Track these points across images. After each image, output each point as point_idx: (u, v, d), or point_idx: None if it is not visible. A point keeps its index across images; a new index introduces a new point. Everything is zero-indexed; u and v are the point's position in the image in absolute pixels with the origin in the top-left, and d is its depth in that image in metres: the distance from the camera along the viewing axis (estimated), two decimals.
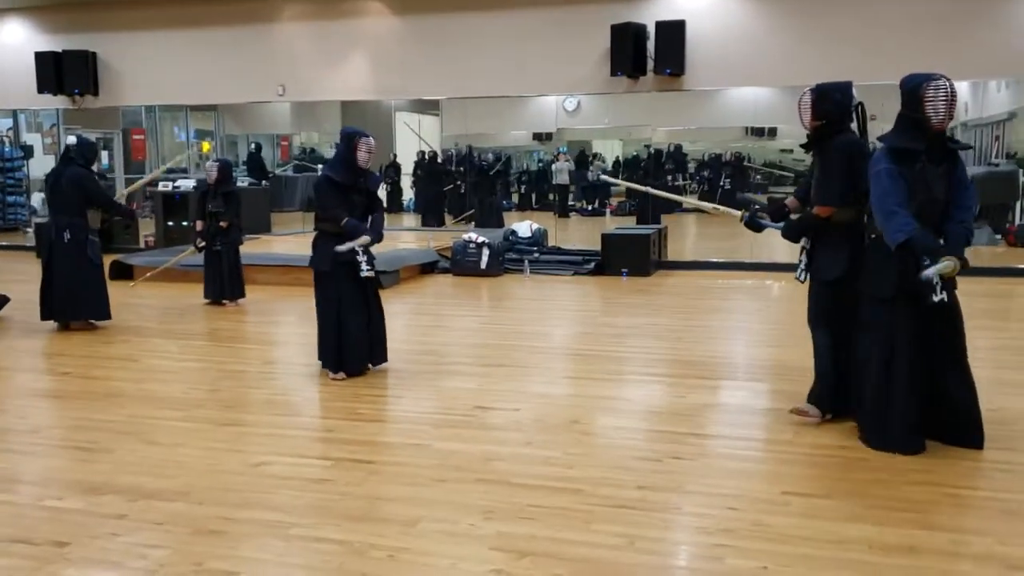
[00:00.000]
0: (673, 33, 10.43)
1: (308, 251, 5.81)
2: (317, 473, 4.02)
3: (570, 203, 17.12)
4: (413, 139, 16.27)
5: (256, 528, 3.42)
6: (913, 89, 4.05)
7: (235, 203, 8.62)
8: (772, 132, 15.06)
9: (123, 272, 10.27)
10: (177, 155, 17.21)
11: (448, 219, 15.80)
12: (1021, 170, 12.50)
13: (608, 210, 17.26)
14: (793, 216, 4.84)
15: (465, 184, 16.09)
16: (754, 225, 4.95)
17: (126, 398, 5.35)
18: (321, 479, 3.93)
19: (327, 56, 12.05)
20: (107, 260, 8.39)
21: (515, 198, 17.82)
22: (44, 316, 7.35)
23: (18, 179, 15.80)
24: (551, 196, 17.01)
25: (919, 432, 4.16)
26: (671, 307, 8.78)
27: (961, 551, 3.16)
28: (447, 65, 11.50)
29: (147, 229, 13.24)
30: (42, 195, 12.40)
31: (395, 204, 16.80)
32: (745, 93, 12.88)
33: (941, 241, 4.07)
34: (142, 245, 12.96)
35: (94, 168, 7.52)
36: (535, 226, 11.67)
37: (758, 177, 16.51)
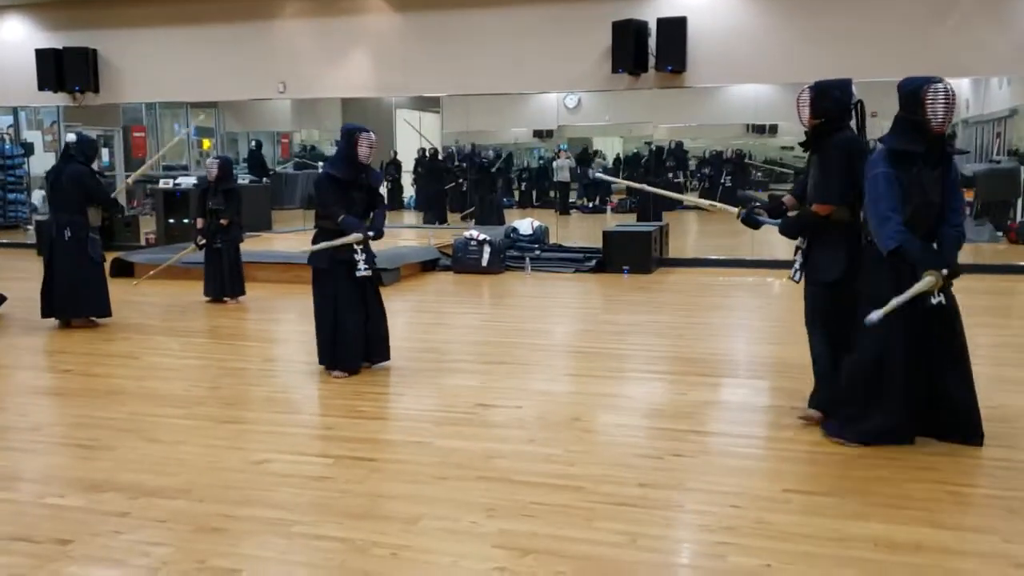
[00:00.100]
0: (674, 30, 10.42)
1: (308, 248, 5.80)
2: (318, 471, 4.01)
3: (571, 200, 17.10)
4: (414, 137, 16.25)
5: (258, 526, 3.41)
6: (913, 92, 4.04)
7: (235, 200, 8.62)
8: (773, 129, 15.05)
9: (124, 269, 10.27)
10: (177, 148, 17.20)
11: (455, 216, 15.76)
12: (1022, 167, 12.48)
13: (609, 207, 17.25)
14: (791, 214, 4.82)
15: (467, 182, 16.08)
16: (751, 222, 4.90)
17: (127, 395, 5.35)
18: (322, 477, 3.93)
19: (328, 53, 12.04)
20: (108, 257, 8.39)
21: (516, 195, 17.80)
22: (45, 314, 7.35)
23: (19, 176, 15.80)
24: (552, 193, 17.00)
25: (901, 431, 4.16)
26: (672, 304, 8.78)
27: (965, 549, 3.16)
28: (448, 62, 11.49)
29: (148, 227, 13.24)
30: (43, 192, 12.41)
31: (396, 202, 16.78)
32: (746, 90, 12.85)
33: (935, 245, 4.10)
34: (143, 243, 12.96)
35: (94, 166, 7.51)
36: (536, 223, 11.66)
37: (759, 174, 16.50)
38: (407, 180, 17.15)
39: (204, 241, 8.60)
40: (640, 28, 10.46)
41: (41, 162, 15.00)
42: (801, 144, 4.76)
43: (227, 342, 7.19)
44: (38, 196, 15.24)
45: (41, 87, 12.80)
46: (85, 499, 3.67)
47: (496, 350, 6.64)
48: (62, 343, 6.94)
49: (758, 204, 5.13)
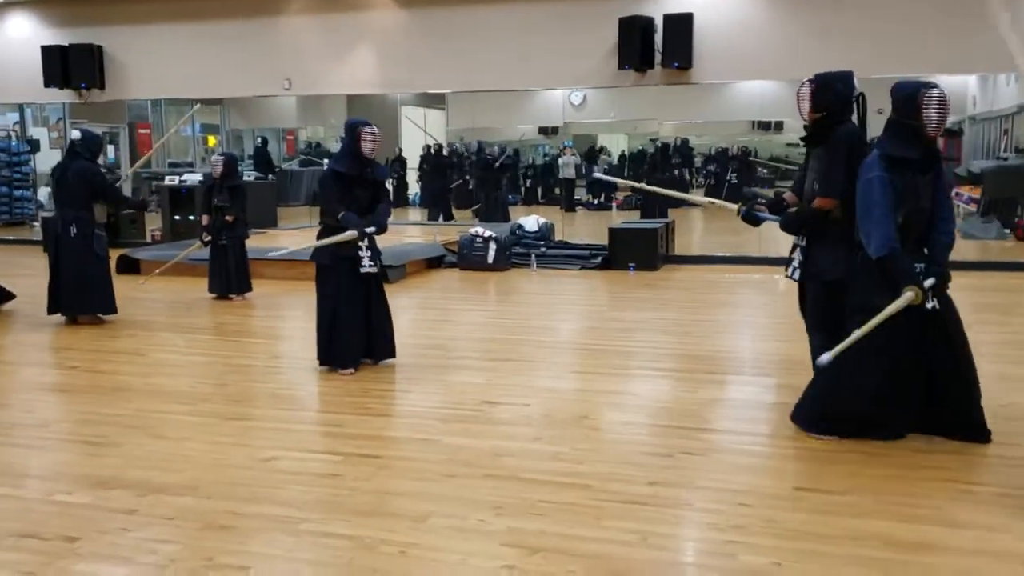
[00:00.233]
0: (681, 26, 10.39)
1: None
2: (325, 468, 4.00)
3: (576, 197, 17.09)
4: (419, 134, 16.25)
5: (265, 523, 3.40)
6: (910, 96, 3.99)
7: (240, 197, 8.61)
8: (779, 126, 15.01)
9: (130, 266, 10.28)
10: (181, 149, 17.22)
11: (465, 213, 15.74)
12: None
13: (614, 204, 17.22)
14: (791, 210, 4.77)
15: (473, 179, 16.08)
16: (751, 218, 4.84)
17: (133, 392, 5.34)
18: (329, 474, 3.92)
19: (333, 49, 12.02)
20: (114, 254, 8.39)
21: (521, 192, 17.79)
22: (51, 310, 7.35)
23: (24, 173, 15.83)
24: (557, 190, 16.98)
25: (889, 426, 4.15)
26: (679, 301, 8.75)
27: (977, 547, 3.14)
28: (454, 58, 11.47)
29: (153, 223, 13.24)
30: (48, 189, 12.41)
31: (401, 199, 16.79)
32: (751, 87, 12.84)
33: (925, 251, 4.10)
34: (148, 239, 12.97)
35: (99, 162, 7.51)
36: (542, 220, 11.66)
37: (764, 171, 16.46)
38: (412, 177, 17.16)
39: (209, 238, 8.60)
40: (646, 24, 10.44)
41: (47, 159, 15.02)
42: (802, 139, 4.70)
43: (233, 339, 7.18)
44: (44, 193, 15.26)
45: (47, 84, 12.81)
46: (93, 496, 3.66)
47: (502, 347, 6.63)
48: (68, 339, 6.94)
49: (762, 201, 5.08)
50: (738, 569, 3.01)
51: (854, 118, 4.49)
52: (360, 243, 5.57)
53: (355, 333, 5.65)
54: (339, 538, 3.25)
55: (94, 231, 7.31)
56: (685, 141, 16.21)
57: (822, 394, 4.27)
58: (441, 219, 15.36)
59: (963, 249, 11.65)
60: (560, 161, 16.56)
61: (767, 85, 12.61)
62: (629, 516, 3.41)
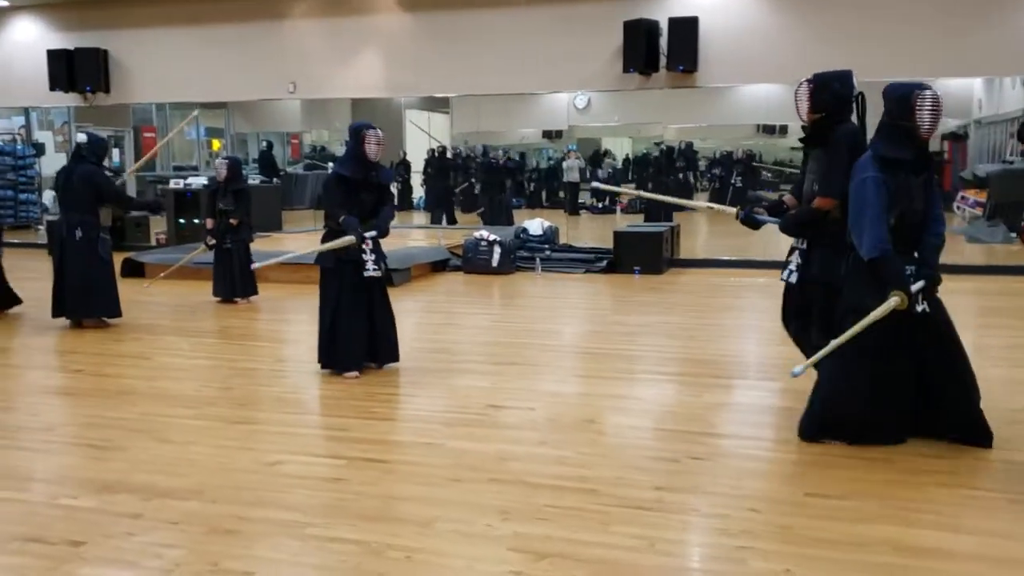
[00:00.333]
0: (686, 29, 10.39)
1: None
2: (331, 472, 3.99)
3: (580, 201, 17.08)
4: (423, 138, 16.25)
5: (271, 528, 3.39)
6: (904, 97, 3.99)
7: (245, 201, 8.61)
8: (783, 130, 14.98)
9: (135, 270, 10.28)
10: (186, 153, 17.23)
11: (470, 216, 15.71)
12: None
13: (619, 208, 17.21)
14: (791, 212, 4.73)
15: (479, 182, 16.07)
16: (751, 221, 4.80)
17: (138, 396, 5.33)
18: (335, 478, 3.91)
19: (338, 53, 12.04)
20: (118, 258, 8.39)
21: (525, 196, 17.78)
22: (56, 314, 7.35)
23: (30, 177, 15.83)
24: (561, 194, 16.97)
25: (886, 432, 4.13)
26: (684, 305, 8.73)
27: (988, 554, 3.11)
28: (459, 62, 11.47)
29: (158, 227, 13.25)
30: (53, 193, 12.43)
31: (406, 202, 16.79)
32: (756, 90, 12.80)
33: (915, 254, 4.08)
34: (153, 243, 12.98)
35: (104, 165, 7.52)
36: (546, 224, 11.64)
37: (769, 175, 16.44)
38: (416, 181, 17.16)
39: (214, 241, 8.60)
40: (651, 28, 10.43)
41: (52, 163, 15.03)
42: (801, 140, 4.65)
43: (238, 342, 7.18)
44: (49, 196, 15.28)
45: (52, 87, 12.84)
46: (98, 500, 3.65)
47: (507, 351, 6.61)
48: (73, 343, 6.94)
49: (765, 204, 5.04)
50: (748, 575, 2.99)
51: (853, 118, 4.45)
52: (364, 246, 5.56)
53: (358, 336, 5.64)
54: (345, 543, 3.23)
55: (99, 235, 7.31)
56: (689, 145, 16.17)
57: (821, 406, 4.24)
58: (444, 222, 15.35)
59: (969, 253, 11.63)
60: (564, 165, 16.55)
61: (771, 88, 12.58)
62: (636, 521, 3.39)
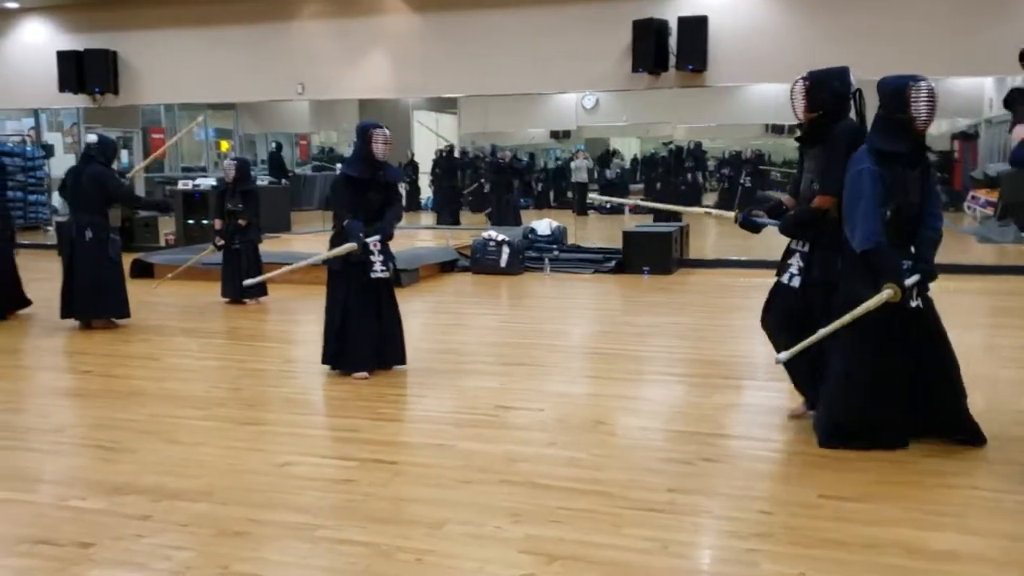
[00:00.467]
0: (695, 29, 10.35)
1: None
2: (340, 473, 3.98)
3: (588, 200, 17.04)
4: (431, 138, 16.25)
5: (280, 530, 3.37)
6: (898, 90, 3.96)
7: (254, 201, 8.61)
8: (792, 129, 14.90)
9: (144, 270, 10.30)
10: (194, 154, 17.26)
11: (475, 217, 15.70)
12: None
13: (627, 208, 17.16)
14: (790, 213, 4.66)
15: (488, 182, 16.06)
16: (750, 225, 4.70)
17: (147, 397, 5.33)
18: (345, 480, 3.89)
19: (346, 54, 12.03)
20: (127, 259, 8.40)
21: (533, 196, 17.77)
22: (64, 314, 7.35)
23: (39, 178, 15.90)
24: (569, 194, 16.95)
25: (892, 436, 4.09)
26: (693, 306, 8.69)
27: (1004, 558, 3.08)
28: (467, 62, 11.45)
29: (167, 228, 13.28)
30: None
31: (413, 203, 16.78)
32: (765, 90, 12.75)
33: (912, 249, 4.06)
34: (162, 244, 13.00)
35: (113, 166, 7.53)
36: (555, 224, 11.61)
37: (777, 175, 16.39)
38: (424, 181, 17.16)
39: (222, 242, 8.61)
40: (661, 27, 10.39)
41: (61, 164, 15.09)
42: (797, 139, 4.59)
43: (246, 343, 7.18)
44: (58, 197, 15.34)
45: (62, 89, 12.87)
46: (107, 502, 3.64)
47: (515, 351, 6.59)
48: (82, 344, 6.95)
49: (766, 205, 4.94)
50: None
51: (852, 115, 4.39)
52: (372, 248, 5.54)
53: (367, 337, 5.63)
54: (355, 545, 3.22)
55: (109, 235, 7.32)
56: (698, 145, 16.13)
57: (829, 409, 4.21)
58: (450, 222, 15.34)
59: (980, 253, 11.56)
60: (572, 165, 16.53)
61: (781, 88, 12.44)
62: (648, 523, 3.37)
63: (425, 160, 16.68)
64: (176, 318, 8.03)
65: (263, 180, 15.26)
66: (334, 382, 5.59)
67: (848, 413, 4.13)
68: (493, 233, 10.80)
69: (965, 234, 12.97)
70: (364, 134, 5.53)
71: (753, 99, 13.55)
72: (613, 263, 10.60)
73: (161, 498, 3.66)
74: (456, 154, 16.55)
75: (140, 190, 13.17)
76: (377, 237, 5.55)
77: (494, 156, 16.07)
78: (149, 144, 16.54)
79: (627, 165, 18.41)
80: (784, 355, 4.02)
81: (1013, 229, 12.13)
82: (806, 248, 4.43)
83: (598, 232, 13.58)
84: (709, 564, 3.18)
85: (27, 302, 8.02)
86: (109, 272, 7.31)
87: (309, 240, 11.64)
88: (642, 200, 6.59)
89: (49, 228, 14.76)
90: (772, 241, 10.22)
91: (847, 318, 3.91)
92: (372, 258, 5.56)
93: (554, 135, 17.41)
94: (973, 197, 14.35)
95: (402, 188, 13.59)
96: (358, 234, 5.44)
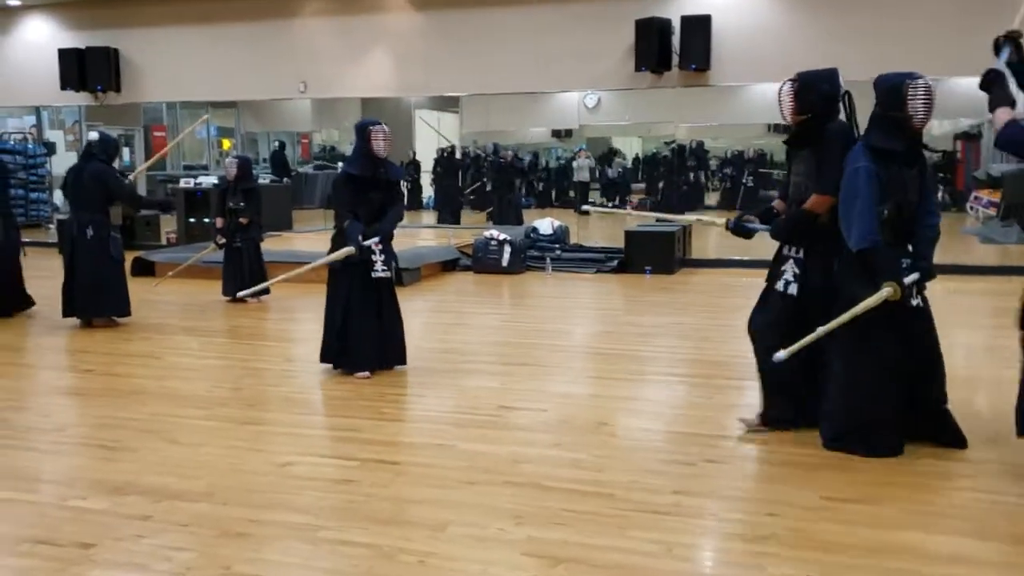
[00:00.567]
0: (699, 28, 10.32)
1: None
2: (342, 474, 3.95)
3: (590, 200, 17.02)
4: (433, 137, 16.22)
5: (282, 530, 3.35)
6: (894, 88, 3.93)
7: (255, 200, 8.59)
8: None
9: (145, 268, 10.27)
10: (196, 152, 17.24)
11: (476, 216, 15.66)
12: None
13: (629, 207, 17.14)
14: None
15: (489, 181, 16.04)
16: (741, 231, 4.62)
17: (148, 396, 5.31)
18: (346, 480, 3.87)
19: (348, 52, 12.00)
20: (129, 257, 8.38)
21: (535, 195, 17.74)
22: (66, 313, 7.33)
23: (40, 176, 15.89)
24: (571, 193, 16.92)
25: (882, 434, 4.06)
26: (696, 306, 8.67)
27: (1015, 561, 3.05)
28: (469, 61, 11.43)
29: (168, 226, 13.26)
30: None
31: (415, 202, 16.76)
32: (768, 89, 12.66)
33: (909, 247, 4.04)
34: (164, 242, 12.98)
35: (115, 164, 7.51)
36: (557, 223, 11.59)
37: (780, 175, 16.35)
38: (426, 180, 17.14)
39: (224, 240, 8.59)
40: (664, 26, 10.36)
41: (63, 161, 15.07)
42: (785, 142, 4.54)
43: (247, 342, 7.15)
44: (60, 195, 15.33)
45: (63, 86, 12.85)
46: (108, 502, 3.62)
47: (517, 351, 6.57)
48: (83, 342, 6.92)
49: (762, 209, 4.86)
50: None
51: (841, 117, 4.34)
52: (375, 247, 5.52)
53: (369, 336, 5.60)
54: (357, 546, 3.19)
55: (110, 233, 7.30)
56: (700, 144, 16.11)
57: (831, 407, 4.18)
58: (451, 221, 15.31)
59: (982, 254, 11.53)
60: (574, 164, 16.50)
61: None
62: (653, 526, 3.34)
63: (427, 159, 16.65)
64: (177, 316, 8.01)
65: (265, 178, 15.24)
66: (335, 382, 5.57)
67: (848, 415, 4.10)
68: (495, 232, 10.78)
69: (968, 235, 12.94)
70: (363, 132, 5.51)
71: (756, 99, 13.50)
72: (615, 263, 10.57)
73: (162, 498, 3.64)
74: (458, 154, 16.52)
75: (142, 189, 13.15)
76: (376, 238, 5.53)
77: (496, 155, 16.04)
78: (151, 142, 16.52)
79: (629, 164, 18.37)
80: (783, 354, 3.99)
81: (1016, 229, 12.10)
82: (800, 254, 4.35)
83: (599, 232, 13.55)
84: (714, 567, 3.15)
85: (31, 302, 7.99)
86: (110, 270, 7.29)
87: (310, 239, 11.63)
88: (633, 211, 6.57)
89: (50, 226, 14.75)
90: (773, 242, 10.19)
91: (845, 317, 3.89)
92: (373, 258, 5.54)
93: (556, 134, 17.38)
94: (976, 197, 14.31)
95: (404, 187, 13.58)
96: (356, 237, 5.42)
